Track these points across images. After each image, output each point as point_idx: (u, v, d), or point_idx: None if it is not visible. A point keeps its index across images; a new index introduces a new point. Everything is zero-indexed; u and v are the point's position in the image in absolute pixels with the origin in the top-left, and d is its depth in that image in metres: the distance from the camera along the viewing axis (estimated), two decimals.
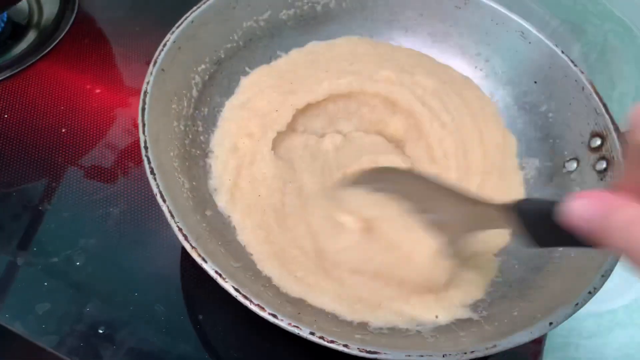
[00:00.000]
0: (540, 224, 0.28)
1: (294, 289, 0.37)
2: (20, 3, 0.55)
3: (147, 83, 0.38)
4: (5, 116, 0.51)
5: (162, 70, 0.40)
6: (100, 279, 0.43)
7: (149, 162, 0.35)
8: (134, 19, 0.61)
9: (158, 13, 0.62)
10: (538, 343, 0.43)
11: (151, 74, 0.39)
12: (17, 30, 0.58)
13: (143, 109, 0.37)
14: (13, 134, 0.50)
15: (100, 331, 0.40)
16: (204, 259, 0.31)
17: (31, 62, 0.55)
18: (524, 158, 0.47)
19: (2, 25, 0.57)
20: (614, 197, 0.22)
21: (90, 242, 0.44)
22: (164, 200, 0.33)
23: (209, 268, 0.31)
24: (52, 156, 0.49)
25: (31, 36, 0.58)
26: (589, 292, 0.33)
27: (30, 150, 0.49)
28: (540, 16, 0.59)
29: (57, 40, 0.57)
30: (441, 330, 0.35)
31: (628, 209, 0.21)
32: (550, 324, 0.32)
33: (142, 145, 0.35)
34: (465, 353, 0.30)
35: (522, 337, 0.32)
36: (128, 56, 0.58)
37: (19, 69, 0.54)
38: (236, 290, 0.31)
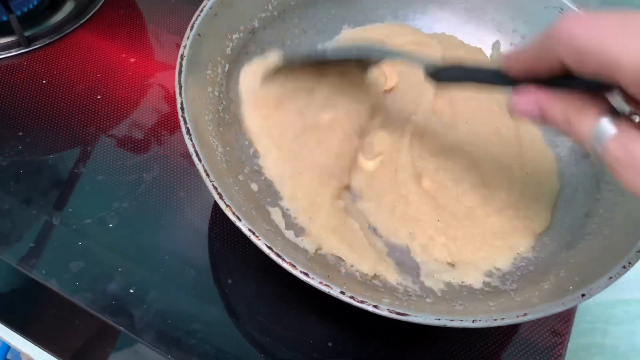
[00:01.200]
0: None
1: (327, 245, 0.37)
2: None
3: (184, 47, 0.39)
4: (44, 82, 0.52)
5: (199, 35, 0.40)
6: (131, 242, 0.44)
7: (185, 123, 0.35)
8: None
9: None
10: (565, 325, 0.43)
11: (188, 37, 0.39)
12: (55, 1, 0.59)
13: (180, 72, 0.38)
14: (50, 99, 0.51)
15: (132, 291, 0.41)
16: (238, 217, 0.32)
17: (68, 30, 0.56)
18: (558, 137, 0.47)
19: None
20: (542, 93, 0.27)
21: (123, 205, 0.45)
22: (200, 160, 0.34)
23: (242, 226, 0.32)
24: (88, 122, 0.50)
25: (69, 6, 0.59)
26: (623, 267, 0.33)
27: (66, 115, 0.50)
28: None
29: (94, 11, 0.59)
30: (469, 299, 0.35)
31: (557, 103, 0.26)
32: (583, 295, 0.32)
33: (179, 106, 0.36)
34: (496, 319, 0.30)
35: (554, 308, 0.31)
36: (161, 29, 0.59)
37: (57, 37, 0.56)
38: (269, 248, 0.31)
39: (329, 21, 0.51)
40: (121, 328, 0.40)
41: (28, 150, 0.48)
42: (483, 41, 0.52)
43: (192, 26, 0.40)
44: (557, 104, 0.26)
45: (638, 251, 0.34)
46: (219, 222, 0.45)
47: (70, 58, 0.55)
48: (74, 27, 0.57)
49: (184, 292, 0.42)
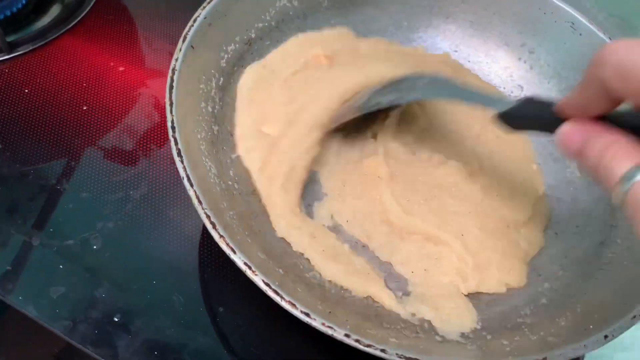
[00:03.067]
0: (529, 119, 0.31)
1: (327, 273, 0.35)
2: None
3: (176, 60, 0.36)
4: (26, 90, 0.49)
5: (192, 47, 0.38)
6: (117, 265, 0.41)
7: (176, 144, 0.32)
8: None
9: None
10: None
11: (180, 50, 0.37)
12: (41, 4, 0.56)
13: (171, 87, 0.35)
14: (33, 109, 0.48)
15: (116, 319, 0.38)
16: (232, 250, 0.29)
17: (54, 36, 0.53)
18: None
19: None
20: (593, 125, 0.26)
21: (108, 225, 0.42)
22: (191, 185, 0.31)
23: (237, 259, 0.29)
24: (72, 134, 0.47)
25: (55, 10, 0.56)
26: None
27: (49, 127, 0.47)
28: (586, 9, 0.56)
29: (81, 16, 0.55)
30: (482, 338, 0.33)
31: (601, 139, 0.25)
32: (606, 337, 0.29)
33: (170, 125, 0.33)
34: None
35: (575, 351, 0.29)
36: (152, 35, 0.56)
37: (42, 43, 0.52)
38: (266, 284, 0.28)
39: (327, 26, 0.49)
40: None
41: (7, 164, 0.44)
42: (489, 55, 0.50)
43: (185, 37, 0.38)
44: (601, 138, 0.25)
45: None
46: (210, 245, 0.42)
47: (55, 66, 0.51)
48: (60, 32, 0.53)
49: (172, 321, 0.39)
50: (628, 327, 0.30)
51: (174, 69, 0.36)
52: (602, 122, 0.25)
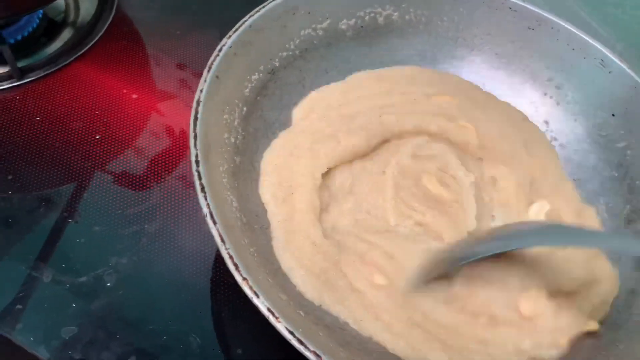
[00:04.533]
0: None
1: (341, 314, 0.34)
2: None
3: (201, 91, 0.36)
4: (37, 118, 0.48)
5: (217, 77, 0.37)
6: (131, 303, 0.39)
7: (200, 179, 0.32)
8: (173, 21, 0.58)
9: (197, 15, 0.60)
10: None
11: (205, 81, 0.36)
12: (52, 28, 0.55)
13: (195, 119, 0.34)
14: (44, 138, 0.47)
15: None
16: (256, 294, 0.28)
17: (66, 62, 0.52)
18: (597, 197, 0.43)
19: (37, 21, 0.54)
20: None
21: (121, 261, 0.41)
22: (215, 223, 0.30)
23: (261, 305, 0.28)
24: (85, 164, 0.46)
25: (66, 35, 0.55)
26: None
27: (61, 156, 0.46)
28: (604, 39, 0.55)
29: (94, 41, 0.54)
30: None
31: None
32: None
33: (193, 159, 0.32)
34: None
35: None
36: (166, 60, 0.55)
37: (53, 69, 0.52)
38: (290, 332, 0.27)
39: (353, 61, 0.48)
40: None
41: (18, 195, 0.43)
42: (515, 89, 0.49)
43: (210, 67, 0.37)
44: None
45: None
46: (226, 282, 0.41)
47: (67, 93, 0.50)
48: (72, 58, 0.53)
49: None
50: None
51: (198, 101, 0.35)
52: None
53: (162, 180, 0.46)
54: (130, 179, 0.46)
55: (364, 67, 0.48)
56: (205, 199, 0.31)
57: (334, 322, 0.34)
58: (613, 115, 0.44)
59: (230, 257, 0.29)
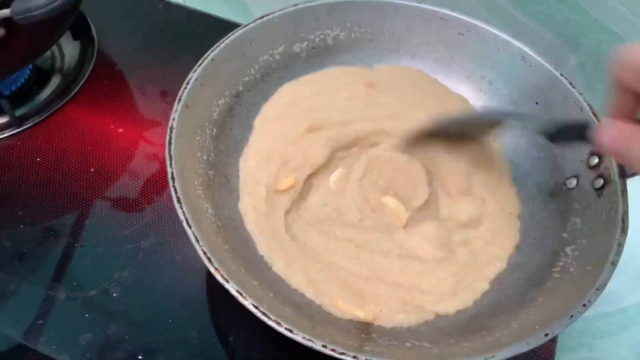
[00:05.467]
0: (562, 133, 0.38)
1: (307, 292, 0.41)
2: None
3: (173, 119, 0.42)
4: (38, 159, 0.55)
5: (186, 106, 0.44)
6: (135, 309, 0.46)
7: (176, 192, 0.38)
8: (151, 54, 0.65)
9: (173, 44, 0.67)
10: (550, 344, 0.46)
11: (176, 110, 0.43)
12: (41, 76, 0.61)
13: (169, 143, 0.41)
14: (46, 176, 0.53)
15: (140, 357, 0.44)
16: (226, 279, 0.35)
17: (58, 106, 0.58)
18: (529, 176, 0.50)
19: (28, 72, 0.60)
20: (631, 127, 0.30)
21: (123, 275, 0.48)
22: (190, 227, 0.37)
23: (230, 287, 0.35)
24: (84, 196, 0.52)
25: (55, 81, 0.61)
26: (584, 305, 0.36)
27: (63, 191, 0.53)
28: (535, 31, 0.61)
29: (80, 84, 0.60)
30: (446, 342, 0.38)
31: None
32: (546, 334, 0.34)
33: (170, 177, 0.39)
34: None
35: (519, 348, 0.34)
36: (146, 92, 0.61)
37: (47, 114, 0.57)
38: (255, 307, 0.34)
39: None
40: None
41: (29, 228, 0.50)
42: (454, 88, 0.56)
43: (180, 99, 0.44)
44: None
45: (597, 289, 0.37)
46: (215, 281, 0.47)
47: (62, 133, 0.57)
48: (62, 102, 0.58)
49: (189, 354, 0.44)
50: (568, 325, 0.35)
51: (171, 128, 0.42)
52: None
53: (153, 201, 0.53)
54: (125, 203, 0.52)
55: None
56: (181, 208, 0.38)
57: (301, 300, 0.41)
58: (537, 103, 0.51)
59: (204, 252, 0.36)
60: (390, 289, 0.42)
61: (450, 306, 0.41)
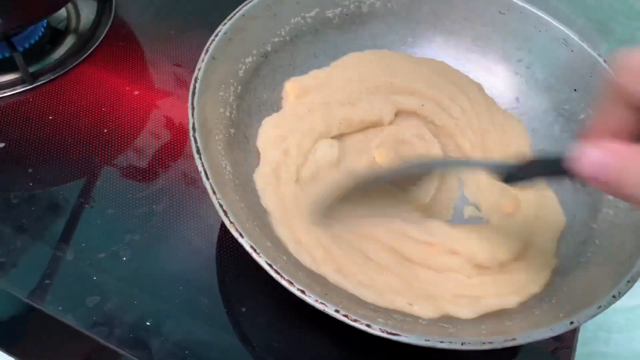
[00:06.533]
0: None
1: (323, 271, 0.38)
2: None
3: (199, 69, 0.41)
4: (50, 117, 0.53)
5: (213, 58, 0.42)
6: (145, 274, 0.44)
7: (196, 142, 0.37)
8: (167, 23, 0.63)
9: (189, 16, 0.64)
10: (571, 335, 0.44)
11: (203, 60, 0.42)
12: (56, 35, 0.60)
13: (193, 93, 0.40)
14: (58, 135, 0.52)
15: (148, 323, 0.42)
16: (240, 234, 0.33)
17: (72, 65, 0.57)
18: None
19: (43, 30, 0.59)
20: (624, 148, 0.23)
21: (134, 238, 0.46)
22: (207, 178, 0.36)
23: (244, 242, 0.33)
24: (96, 156, 0.51)
25: (70, 41, 0.59)
26: (613, 296, 0.34)
27: (75, 150, 0.51)
28: (566, 15, 0.59)
29: (95, 45, 0.59)
30: (463, 323, 0.37)
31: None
32: (571, 322, 0.33)
33: (191, 126, 0.38)
34: (484, 343, 0.31)
35: (542, 334, 0.32)
36: (162, 58, 0.59)
37: (61, 72, 0.56)
38: (269, 265, 0.32)
39: (339, 46, 0.53)
40: None
41: (38, 186, 0.48)
42: (488, 69, 0.54)
43: (207, 50, 0.42)
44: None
45: (629, 281, 0.35)
46: (229, 249, 0.46)
47: (75, 93, 0.55)
48: (77, 61, 0.57)
49: (199, 322, 0.42)
50: (594, 315, 0.33)
51: (196, 78, 0.41)
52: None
53: (168, 166, 0.51)
54: (138, 167, 0.51)
55: (349, 52, 0.53)
56: (201, 159, 0.36)
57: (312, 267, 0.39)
58: (575, 90, 0.49)
59: (220, 205, 0.35)
60: (412, 283, 0.40)
61: None
